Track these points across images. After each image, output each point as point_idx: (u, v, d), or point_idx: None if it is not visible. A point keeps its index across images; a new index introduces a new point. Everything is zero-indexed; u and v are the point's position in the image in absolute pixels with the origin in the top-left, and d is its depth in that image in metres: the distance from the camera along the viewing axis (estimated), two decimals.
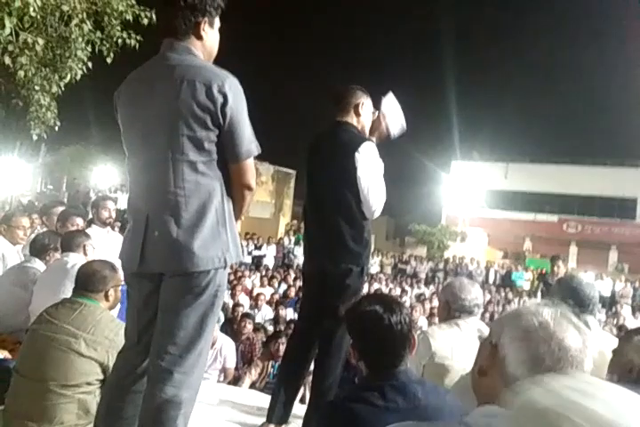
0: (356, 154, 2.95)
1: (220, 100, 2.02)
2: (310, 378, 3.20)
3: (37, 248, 4.06)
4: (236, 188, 2.17)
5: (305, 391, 4.73)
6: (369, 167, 2.99)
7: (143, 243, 2.09)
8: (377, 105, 3.22)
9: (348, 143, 3.02)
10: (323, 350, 3.04)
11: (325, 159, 3.07)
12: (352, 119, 3.14)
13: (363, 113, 3.16)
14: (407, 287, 17.03)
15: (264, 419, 3.04)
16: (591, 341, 1.24)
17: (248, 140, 2.12)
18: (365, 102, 3.17)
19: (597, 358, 1.36)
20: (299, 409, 3.15)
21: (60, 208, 5.21)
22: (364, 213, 3.01)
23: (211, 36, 2.23)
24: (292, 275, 14.35)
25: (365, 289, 14.38)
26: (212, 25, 2.21)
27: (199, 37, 2.18)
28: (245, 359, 6.58)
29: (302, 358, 3.13)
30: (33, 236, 4.56)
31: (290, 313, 9.45)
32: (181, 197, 2.05)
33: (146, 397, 2.08)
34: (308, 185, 3.21)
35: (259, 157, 3.23)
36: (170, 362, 2.04)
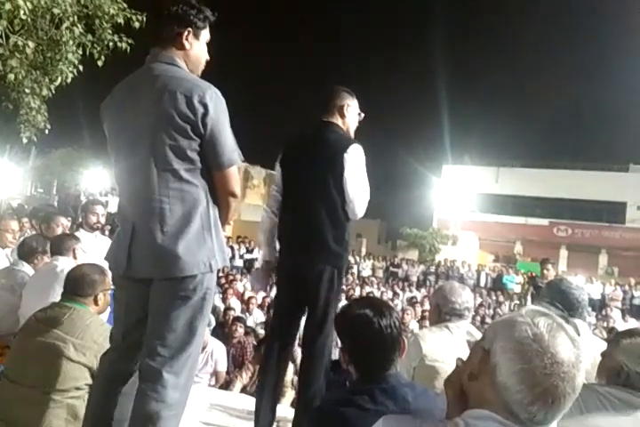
0: (345, 155, 2.97)
1: (200, 110, 2.06)
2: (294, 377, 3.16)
3: (25, 251, 4.03)
4: (220, 195, 2.21)
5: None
6: (356, 169, 3.01)
7: (129, 249, 2.13)
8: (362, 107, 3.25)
9: (336, 144, 3.03)
10: (306, 352, 3.04)
11: (311, 158, 3.05)
12: (337, 120, 3.15)
13: (348, 115, 3.17)
14: (399, 291, 17.07)
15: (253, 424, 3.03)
16: (585, 354, 1.21)
17: (230, 149, 2.16)
18: (351, 104, 3.18)
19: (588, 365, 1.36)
20: (289, 413, 3.14)
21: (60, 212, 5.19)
22: (348, 214, 3.04)
23: (195, 48, 2.25)
24: None
25: (357, 292, 14.42)
26: (197, 36, 2.24)
27: (181, 48, 2.21)
28: (236, 363, 6.56)
29: (279, 358, 3.11)
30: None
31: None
32: (166, 204, 2.09)
33: (137, 398, 2.09)
34: (288, 183, 3.16)
35: (251, 161, 3.24)
36: (160, 363, 2.06)
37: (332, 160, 2.98)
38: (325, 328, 2.97)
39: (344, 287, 15.17)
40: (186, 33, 2.20)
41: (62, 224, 4.82)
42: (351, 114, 3.18)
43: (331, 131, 3.11)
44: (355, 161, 3.01)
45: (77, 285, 2.80)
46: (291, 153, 3.20)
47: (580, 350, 1.20)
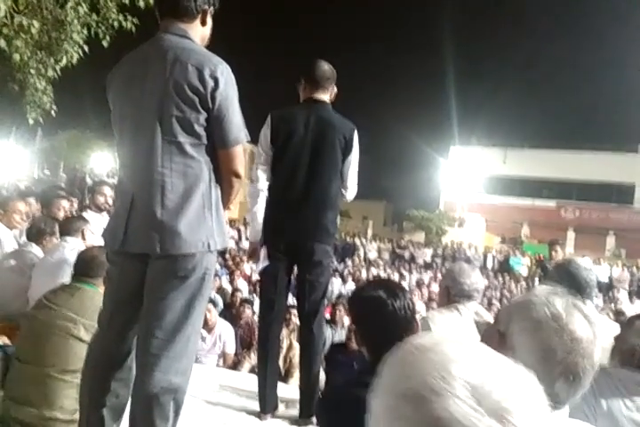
0: (353, 140, 3.04)
1: (210, 83, 2.02)
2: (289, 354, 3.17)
3: (34, 233, 4.04)
4: (223, 174, 2.16)
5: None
6: (357, 154, 3.11)
7: (127, 222, 2.07)
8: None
9: (345, 127, 3.05)
10: (307, 329, 3.08)
11: (320, 138, 3.02)
12: (328, 100, 3.16)
13: (333, 97, 3.20)
14: (405, 273, 17.11)
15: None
16: (600, 331, 1.22)
17: (237, 128, 2.12)
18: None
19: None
20: (297, 393, 3.15)
21: (61, 194, 5.20)
22: (344, 197, 3.17)
23: (209, 26, 2.26)
24: None
25: (363, 274, 14.48)
26: (211, 16, 2.25)
27: (204, 24, 2.22)
28: (244, 344, 6.61)
29: (274, 335, 3.16)
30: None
31: (289, 298, 9.45)
32: (168, 177, 2.03)
33: (135, 383, 2.06)
34: (288, 160, 3.06)
35: (258, 143, 3.16)
36: (157, 347, 2.01)
37: (343, 144, 3.02)
38: (323, 304, 3.14)
39: (350, 269, 15.26)
40: (208, 12, 2.21)
41: (63, 207, 4.83)
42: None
43: (330, 111, 3.11)
44: (357, 146, 3.10)
45: (87, 266, 2.80)
46: (289, 130, 3.07)
47: (595, 326, 1.21)
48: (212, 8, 2.22)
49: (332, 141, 3.00)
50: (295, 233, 3.02)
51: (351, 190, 3.17)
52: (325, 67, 3.13)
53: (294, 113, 3.12)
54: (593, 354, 1.17)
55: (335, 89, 3.18)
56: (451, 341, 0.78)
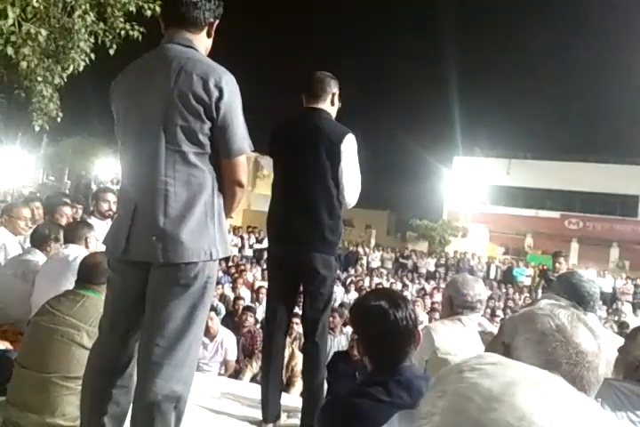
0: (342, 145, 2.98)
1: (215, 93, 2.03)
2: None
3: (37, 239, 4.05)
4: (227, 184, 2.17)
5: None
6: (352, 159, 3.04)
7: (129, 230, 2.07)
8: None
9: (334, 132, 3.03)
10: (310, 339, 3.07)
11: (307, 145, 3.02)
12: (328, 108, 3.15)
13: (336, 103, 3.19)
14: (408, 282, 17.05)
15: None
16: (605, 345, 1.21)
17: (241, 138, 2.13)
18: (338, 92, 3.20)
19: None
20: (299, 403, 3.14)
21: (64, 201, 5.21)
22: (342, 204, 3.08)
23: (212, 38, 2.30)
24: None
25: (366, 283, 14.44)
26: (214, 29, 2.29)
27: (209, 35, 2.26)
28: (246, 352, 6.58)
29: (279, 344, 3.16)
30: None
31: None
32: (171, 186, 2.04)
33: (136, 392, 2.05)
34: (279, 170, 3.15)
35: (261, 151, 3.20)
36: (159, 355, 2.00)
37: (331, 150, 2.99)
38: (326, 314, 3.09)
39: (353, 278, 15.23)
40: (214, 24, 2.23)
41: (66, 214, 4.85)
42: (337, 102, 3.21)
43: (324, 119, 3.10)
44: (351, 151, 3.04)
45: (91, 273, 2.80)
46: (282, 140, 3.15)
47: (600, 339, 1.20)
48: (216, 21, 2.24)
49: (317, 148, 2.98)
50: (294, 243, 3.02)
51: (349, 198, 3.07)
52: (319, 76, 3.16)
53: (287, 124, 3.20)
54: (598, 368, 1.16)
55: (337, 91, 3.17)
56: (523, 382, 0.63)
